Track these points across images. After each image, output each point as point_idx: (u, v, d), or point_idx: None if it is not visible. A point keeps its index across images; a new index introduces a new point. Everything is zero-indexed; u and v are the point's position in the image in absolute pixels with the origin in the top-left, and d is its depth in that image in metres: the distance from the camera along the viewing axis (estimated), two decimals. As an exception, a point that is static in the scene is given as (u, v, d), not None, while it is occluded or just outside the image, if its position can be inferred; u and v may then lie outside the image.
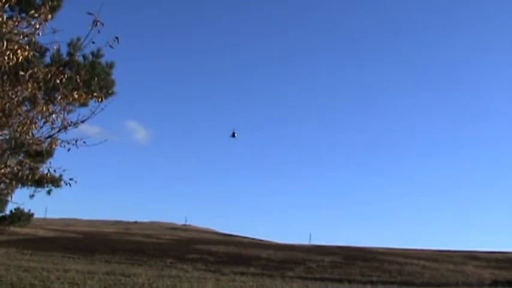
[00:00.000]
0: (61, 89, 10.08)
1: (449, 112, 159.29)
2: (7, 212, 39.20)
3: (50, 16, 9.56)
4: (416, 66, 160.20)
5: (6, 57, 8.65)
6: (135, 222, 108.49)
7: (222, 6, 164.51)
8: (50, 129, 10.53)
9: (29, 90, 9.77)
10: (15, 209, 40.16)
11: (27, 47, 9.11)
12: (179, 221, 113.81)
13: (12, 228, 50.44)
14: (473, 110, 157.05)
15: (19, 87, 9.84)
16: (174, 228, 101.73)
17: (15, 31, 9.25)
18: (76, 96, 10.10)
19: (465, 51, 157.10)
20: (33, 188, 19.35)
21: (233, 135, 54.87)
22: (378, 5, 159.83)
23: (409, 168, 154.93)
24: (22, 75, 9.68)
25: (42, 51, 13.63)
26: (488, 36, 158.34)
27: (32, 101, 10.41)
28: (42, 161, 15.25)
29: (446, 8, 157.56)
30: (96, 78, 15.51)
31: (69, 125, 10.50)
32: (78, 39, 14.50)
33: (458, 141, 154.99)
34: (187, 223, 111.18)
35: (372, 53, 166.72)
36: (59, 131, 10.50)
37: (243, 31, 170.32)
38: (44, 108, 10.09)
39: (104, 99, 10.74)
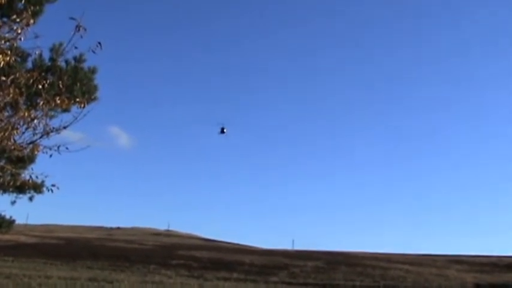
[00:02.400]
0: (43, 95, 9.99)
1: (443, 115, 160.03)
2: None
3: (32, 21, 9.49)
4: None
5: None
6: (118, 227, 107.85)
7: (205, 12, 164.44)
8: (31, 135, 10.42)
9: (11, 95, 9.67)
10: (-5, 216, 39.77)
11: (9, 52, 9.03)
12: (162, 226, 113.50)
13: (-8, 235, 49.99)
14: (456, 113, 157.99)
15: (0, 93, 9.75)
16: (157, 233, 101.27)
17: (-3, 36, 9.17)
18: (58, 101, 10.00)
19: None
20: (14, 194, 19.18)
21: (222, 131, 53.89)
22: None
23: (392, 173, 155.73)
24: (4, 81, 9.59)
25: (24, 56, 13.53)
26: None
27: (14, 106, 10.30)
28: (24, 167, 15.12)
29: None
30: (78, 84, 15.39)
31: (52, 131, 10.40)
32: (61, 44, 14.36)
33: (438, 146, 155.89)
34: (170, 228, 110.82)
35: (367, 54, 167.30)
36: (41, 136, 10.40)
37: (230, 34, 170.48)
38: (26, 114, 9.98)
39: (86, 104, 10.66)
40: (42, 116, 10.32)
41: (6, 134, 9.92)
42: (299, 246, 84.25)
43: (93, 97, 16.94)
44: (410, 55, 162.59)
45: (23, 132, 10.30)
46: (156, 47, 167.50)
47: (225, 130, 53.48)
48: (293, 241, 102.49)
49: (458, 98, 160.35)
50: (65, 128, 10.42)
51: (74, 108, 11.05)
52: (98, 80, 17.58)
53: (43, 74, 10.81)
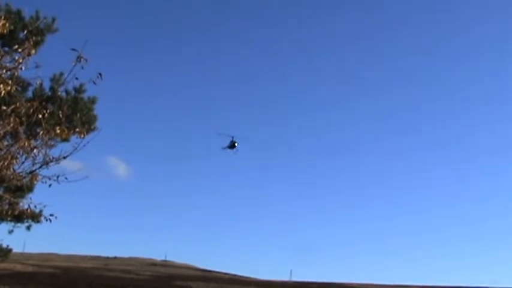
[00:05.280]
0: (43, 124, 10.03)
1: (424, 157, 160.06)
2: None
3: (33, 51, 9.57)
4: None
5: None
6: (115, 257, 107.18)
7: (209, 44, 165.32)
8: (31, 165, 10.45)
9: (11, 124, 9.70)
10: (-8, 245, 39.49)
11: (10, 82, 9.08)
12: (159, 256, 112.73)
13: (-12, 264, 49.57)
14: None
15: (1, 122, 9.78)
16: (154, 264, 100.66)
17: (-2, 65, 9.24)
18: (58, 131, 10.05)
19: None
20: (12, 224, 19.10)
21: (232, 146, 43.24)
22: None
23: (390, 204, 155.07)
24: (4, 110, 9.63)
25: (24, 85, 13.62)
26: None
27: (14, 135, 10.34)
28: (23, 196, 15.10)
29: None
30: (78, 114, 15.45)
31: (51, 161, 10.43)
32: (61, 74, 14.46)
33: (440, 176, 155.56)
34: (167, 259, 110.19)
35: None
36: (40, 166, 10.43)
37: (232, 70, 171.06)
38: (26, 143, 10.02)
39: (86, 134, 10.70)
40: (42, 145, 10.35)
41: (6, 163, 9.94)
42: (297, 277, 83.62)
43: (92, 127, 16.98)
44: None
45: (23, 162, 10.32)
46: (157, 78, 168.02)
47: (236, 144, 43.33)
48: (291, 271, 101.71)
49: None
50: (64, 158, 10.44)
51: (74, 138, 11.09)
52: (97, 110, 17.66)
53: (43, 103, 10.87)
